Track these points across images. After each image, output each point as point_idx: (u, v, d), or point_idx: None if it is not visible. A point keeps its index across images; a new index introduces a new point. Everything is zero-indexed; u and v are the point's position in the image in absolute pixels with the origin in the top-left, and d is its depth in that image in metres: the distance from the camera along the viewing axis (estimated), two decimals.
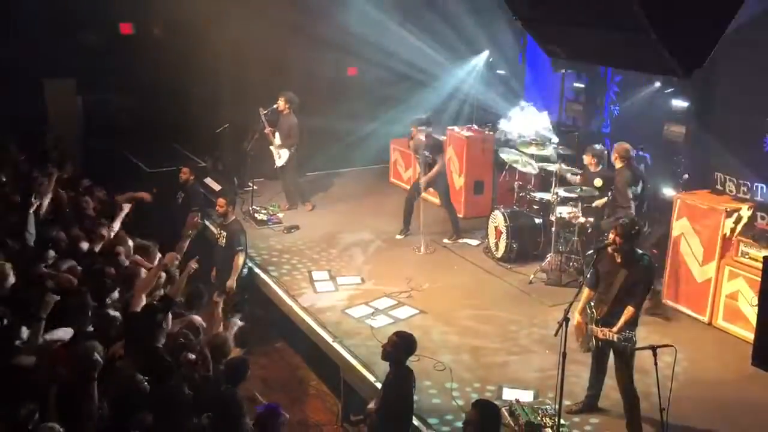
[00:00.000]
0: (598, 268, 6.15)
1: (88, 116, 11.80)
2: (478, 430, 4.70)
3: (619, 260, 5.97)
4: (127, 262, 6.88)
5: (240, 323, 6.63)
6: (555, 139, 10.64)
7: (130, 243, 7.31)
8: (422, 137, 9.88)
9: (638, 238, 6.09)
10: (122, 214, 7.76)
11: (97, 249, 7.07)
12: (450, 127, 11.58)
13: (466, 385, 6.82)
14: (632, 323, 5.91)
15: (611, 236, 5.96)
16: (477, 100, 12.51)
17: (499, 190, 10.99)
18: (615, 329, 5.83)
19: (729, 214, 7.87)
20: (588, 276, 6.31)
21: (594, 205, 8.88)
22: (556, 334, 5.46)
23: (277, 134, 10.73)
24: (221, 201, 8.30)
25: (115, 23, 11.60)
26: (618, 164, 8.44)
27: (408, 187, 11.43)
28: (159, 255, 7.35)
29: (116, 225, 7.64)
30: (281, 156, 10.79)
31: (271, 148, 10.83)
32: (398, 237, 10.14)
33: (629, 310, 5.86)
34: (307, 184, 11.60)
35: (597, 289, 6.16)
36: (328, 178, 12.51)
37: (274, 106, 10.57)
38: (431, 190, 10.32)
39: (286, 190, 11.18)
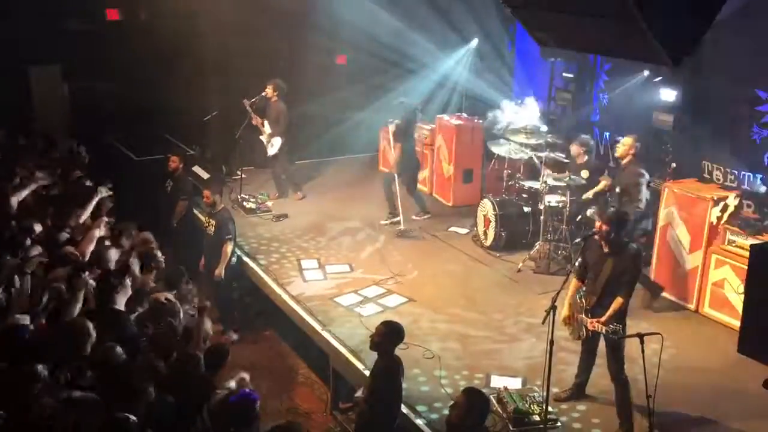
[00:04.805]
0: (586, 257, 6.17)
1: (75, 103, 11.69)
2: (464, 414, 4.73)
3: (606, 249, 5.98)
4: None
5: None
6: (544, 128, 10.65)
7: (103, 229, 7.28)
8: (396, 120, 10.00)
9: (625, 227, 6.09)
10: (93, 203, 7.66)
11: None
12: (439, 116, 11.57)
13: (455, 372, 6.85)
14: (621, 313, 5.92)
15: (598, 225, 5.98)
16: (466, 89, 12.48)
17: (489, 178, 11.00)
18: (602, 320, 5.83)
19: (716, 203, 7.92)
20: (576, 266, 6.32)
21: (584, 198, 8.85)
22: (543, 322, 5.49)
23: (266, 123, 10.67)
24: (207, 192, 8.31)
25: (101, 9, 11.47)
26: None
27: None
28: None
29: (86, 213, 7.55)
30: (273, 144, 10.73)
31: (262, 138, 10.76)
32: (382, 223, 10.15)
33: (618, 301, 5.85)
34: (296, 173, 11.56)
35: (585, 279, 6.17)
36: (317, 166, 12.47)
37: (263, 93, 10.51)
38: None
39: (276, 178, 11.13)
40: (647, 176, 8.02)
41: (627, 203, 7.79)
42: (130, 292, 5.94)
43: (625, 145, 7.92)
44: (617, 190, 7.94)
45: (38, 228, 6.80)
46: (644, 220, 7.97)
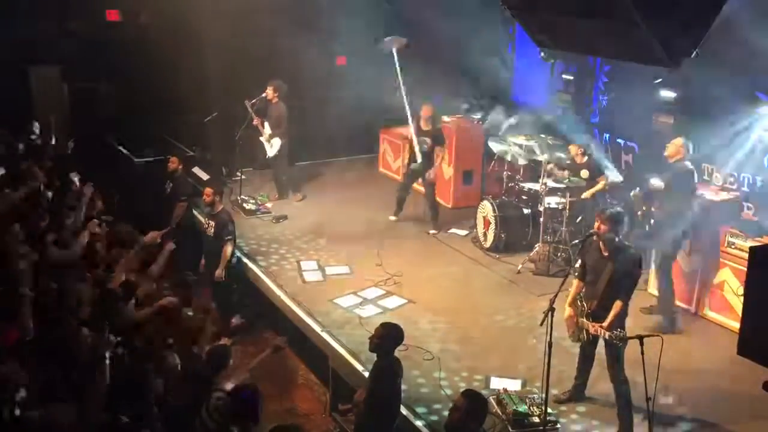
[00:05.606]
0: (585, 259, 6.15)
1: (75, 103, 11.70)
2: (463, 417, 4.73)
3: (606, 253, 5.96)
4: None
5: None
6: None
7: (96, 228, 7.27)
8: (427, 124, 9.91)
9: (622, 227, 6.05)
10: (84, 201, 7.63)
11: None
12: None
13: (454, 374, 6.85)
14: (621, 316, 5.91)
15: (596, 225, 5.95)
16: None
17: (488, 180, 10.99)
18: (605, 325, 5.80)
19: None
20: (577, 267, 6.31)
21: (582, 197, 8.87)
22: (541, 324, 5.48)
23: (266, 124, 10.67)
24: (208, 190, 8.29)
25: (101, 10, 11.48)
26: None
27: (397, 177, 11.41)
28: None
29: (77, 214, 7.52)
30: (273, 145, 10.73)
31: (262, 139, 10.76)
32: (391, 218, 10.20)
33: (617, 304, 5.83)
34: (296, 174, 11.55)
35: (585, 280, 6.16)
36: (317, 168, 12.48)
37: (263, 95, 10.51)
38: (421, 180, 10.29)
39: (276, 179, 11.13)
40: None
41: (680, 199, 7.71)
42: (132, 308, 5.96)
43: (675, 144, 7.88)
44: (663, 187, 7.87)
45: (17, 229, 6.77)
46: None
